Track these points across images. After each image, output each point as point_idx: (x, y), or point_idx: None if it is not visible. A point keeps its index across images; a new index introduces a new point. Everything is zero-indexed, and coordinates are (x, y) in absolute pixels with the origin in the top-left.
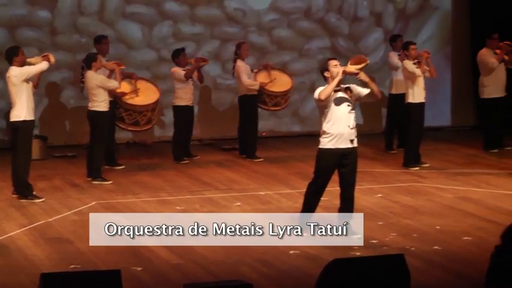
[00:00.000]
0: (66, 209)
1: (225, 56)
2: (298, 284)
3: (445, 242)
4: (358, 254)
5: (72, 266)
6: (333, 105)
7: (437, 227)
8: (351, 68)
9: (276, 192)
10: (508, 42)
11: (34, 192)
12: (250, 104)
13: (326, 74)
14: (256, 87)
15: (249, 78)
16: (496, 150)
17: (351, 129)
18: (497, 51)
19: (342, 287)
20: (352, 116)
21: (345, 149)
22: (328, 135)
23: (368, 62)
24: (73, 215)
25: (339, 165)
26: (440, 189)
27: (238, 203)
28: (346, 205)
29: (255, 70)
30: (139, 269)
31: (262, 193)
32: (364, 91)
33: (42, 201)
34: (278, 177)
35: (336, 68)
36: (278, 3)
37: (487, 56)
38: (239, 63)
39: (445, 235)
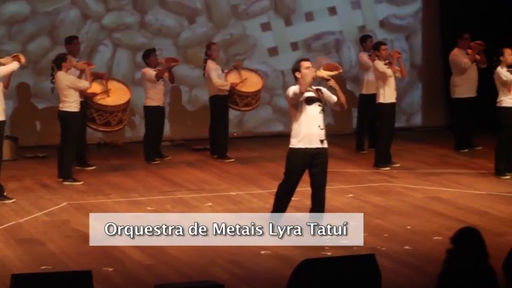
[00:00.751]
0: (37, 210)
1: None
2: (270, 284)
3: (416, 242)
4: (329, 254)
5: (43, 267)
6: (304, 104)
7: (408, 227)
8: (323, 73)
9: (246, 192)
10: (479, 42)
11: (5, 193)
12: (221, 104)
13: (297, 74)
14: (227, 87)
15: (219, 78)
16: (466, 150)
17: (321, 129)
18: (469, 51)
19: (312, 287)
20: (322, 116)
21: (315, 149)
22: (298, 135)
23: (341, 70)
24: (44, 216)
25: (310, 166)
26: (411, 189)
27: (209, 204)
28: (317, 205)
29: (226, 70)
30: (110, 269)
31: (233, 193)
32: (333, 98)
33: (13, 202)
34: (249, 177)
35: (307, 70)
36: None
37: (459, 56)
38: (209, 63)
39: (415, 235)
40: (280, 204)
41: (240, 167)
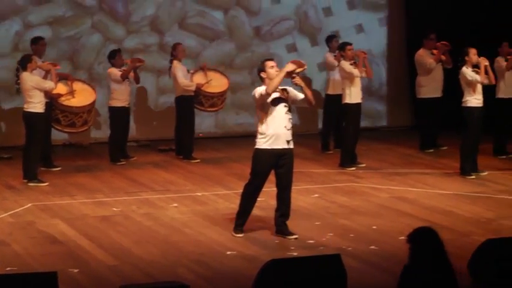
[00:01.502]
0: (2, 211)
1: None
2: (235, 284)
3: (382, 241)
4: (295, 254)
5: (9, 269)
6: (270, 105)
7: (374, 227)
8: (291, 66)
9: (212, 193)
10: (444, 43)
11: None
12: (187, 104)
13: (262, 74)
14: (193, 88)
15: (185, 79)
16: (432, 150)
17: (288, 130)
18: (435, 51)
19: (278, 287)
20: (289, 116)
21: (281, 150)
22: (265, 135)
23: (305, 67)
24: (9, 217)
25: (275, 166)
26: (377, 189)
27: (175, 204)
28: (283, 206)
29: (192, 71)
30: (75, 270)
31: (199, 194)
32: (300, 95)
33: None
34: (215, 178)
35: (272, 69)
36: None
37: (424, 56)
38: (175, 64)
39: (381, 235)
40: (246, 205)
41: (206, 168)
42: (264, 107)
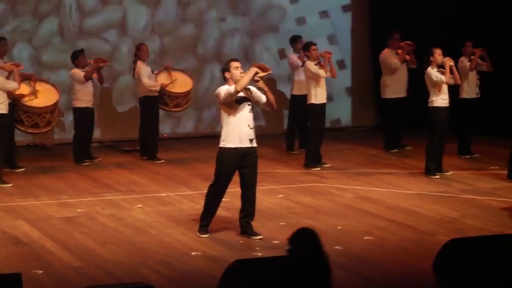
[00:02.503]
0: None
1: None
2: (200, 285)
3: (347, 242)
4: (260, 254)
5: None
6: (234, 104)
7: (339, 227)
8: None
9: (177, 193)
10: (409, 42)
11: None
12: (151, 105)
13: (227, 74)
14: (157, 88)
15: (149, 79)
16: (396, 150)
17: (251, 128)
18: (399, 51)
19: None
20: (252, 115)
21: (245, 149)
22: (229, 135)
23: (270, 71)
24: None
25: (240, 166)
26: (341, 189)
27: (140, 205)
28: (248, 206)
29: (156, 71)
30: (40, 272)
31: (163, 194)
32: (263, 98)
33: None
34: (179, 178)
35: (237, 70)
36: None
37: (389, 56)
38: (139, 64)
39: (346, 235)
40: (211, 206)
41: (170, 168)
42: (228, 106)
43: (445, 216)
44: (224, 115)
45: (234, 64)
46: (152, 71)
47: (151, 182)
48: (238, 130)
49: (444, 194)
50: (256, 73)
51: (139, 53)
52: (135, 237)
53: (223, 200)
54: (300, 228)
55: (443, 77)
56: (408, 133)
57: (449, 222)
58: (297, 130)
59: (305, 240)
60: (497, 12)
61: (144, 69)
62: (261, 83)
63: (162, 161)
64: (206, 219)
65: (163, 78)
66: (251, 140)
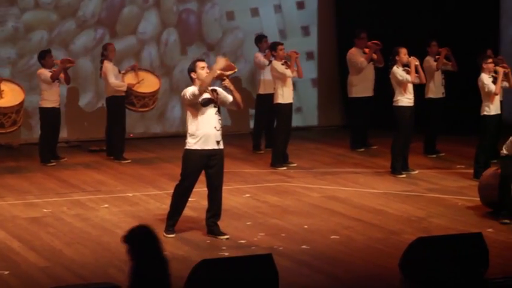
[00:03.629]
0: None
1: None
2: None
3: (313, 241)
4: (226, 254)
5: None
6: (199, 106)
7: (305, 226)
8: (218, 72)
9: (143, 193)
10: (375, 42)
11: None
12: (118, 105)
13: (193, 75)
14: (124, 88)
15: (116, 79)
16: (362, 149)
17: (217, 130)
18: (366, 50)
19: None
20: (218, 117)
21: (211, 150)
22: (194, 136)
23: (236, 70)
24: None
25: (206, 167)
26: (308, 188)
27: (106, 205)
28: (214, 206)
29: (123, 71)
30: (6, 272)
31: (130, 194)
32: (230, 98)
33: None
34: (146, 178)
35: (203, 71)
36: None
37: (356, 55)
38: (106, 64)
39: (313, 234)
40: (177, 206)
41: (137, 168)
42: (194, 108)
43: (411, 215)
44: (190, 116)
45: (200, 64)
46: (119, 71)
47: (118, 182)
48: (204, 132)
49: (411, 193)
50: (223, 73)
51: (106, 52)
52: (102, 238)
53: (190, 199)
54: (133, 227)
55: (408, 77)
56: (375, 132)
57: (415, 221)
58: (263, 129)
59: (140, 239)
60: (461, 11)
61: (110, 69)
62: (227, 82)
63: (129, 161)
64: (173, 219)
65: (130, 78)
66: (218, 142)
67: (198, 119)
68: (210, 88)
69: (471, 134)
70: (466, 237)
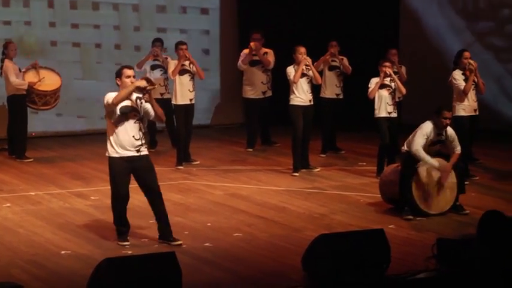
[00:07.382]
0: None
1: None
2: (70, 284)
3: (216, 238)
4: (129, 252)
5: None
6: (119, 113)
7: (208, 224)
8: (143, 82)
9: (46, 192)
10: (254, 43)
11: None
12: (19, 103)
13: (117, 81)
14: (25, 86)
15: (17, 77)
16: (263, 147)
17: (136, 139)
18: (246, 51)
19: (113, 286)
20: (139, 126)
21: (131, 156)
22: (114, 144)
23: (156, 86)
24: None
25: (132, 170)
26: (211, 186)
27: (8, 204)
28: (156, 209)
29: (23, 69)
30: None
31: (32, 193)
32: (152, 113)
33: None
34: (48, 177)
35: (128, 79)
36: None
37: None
38: (7, 62)
39: (215, 232)
40: (118, 211)
41: (39, 167)
42: (111, 115)
43: (313, 212)
44: (108, 123)
45: (126, 72)
46: (20, 69)
47: (20, 180)
48: (121, 140)
49: (313, 190)
50: (144, 88)
51: (6, 51)
52: (4, 237)
53: (92, 198)
54: None
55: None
56: (277, 130)
57: (317, 218)
58: (167, 129)
59: None
60: (358, 13)
61: (11, 68)
62: (146, 97)
63: (31, 159)
64: (120, 226)
65: (31, 77)
66: (138, 150)
67: (115, 127)
68: (135, 96)
69: (371, 132)
70: (367, 233)
